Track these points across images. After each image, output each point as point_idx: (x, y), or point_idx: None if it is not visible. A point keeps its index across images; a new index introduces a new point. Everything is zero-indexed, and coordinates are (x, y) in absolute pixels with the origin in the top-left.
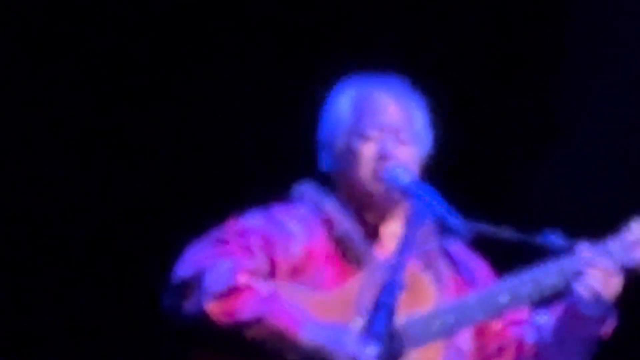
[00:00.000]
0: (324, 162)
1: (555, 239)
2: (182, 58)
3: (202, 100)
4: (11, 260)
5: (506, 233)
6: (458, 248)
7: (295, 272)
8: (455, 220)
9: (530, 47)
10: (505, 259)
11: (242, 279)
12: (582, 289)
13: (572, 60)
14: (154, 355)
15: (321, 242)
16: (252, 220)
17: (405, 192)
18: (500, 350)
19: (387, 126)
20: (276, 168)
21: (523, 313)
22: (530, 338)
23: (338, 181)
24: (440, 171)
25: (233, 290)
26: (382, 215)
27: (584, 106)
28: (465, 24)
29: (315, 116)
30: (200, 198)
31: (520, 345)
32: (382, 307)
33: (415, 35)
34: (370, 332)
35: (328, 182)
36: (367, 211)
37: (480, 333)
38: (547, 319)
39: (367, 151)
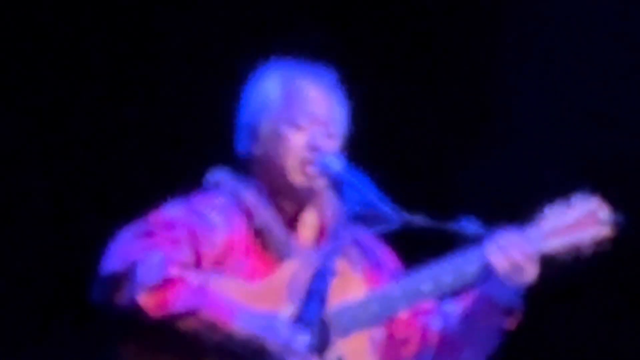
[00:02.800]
0: (244, 146)
1: (472, 226)
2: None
3: (115, 84)
4: None
5: (425, 221)
6: (364, 235)
7: (218, 263)
8: (386, 208)
9: (465, 36)
10: (419, 246)
11: (174, 271)
12: (499, 260)
13: (507, 49)
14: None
15: (241, 232)
16: (175, 212)
17: (337, 179)
18: (407, 339)
19: (318, 118)
20: (186, 154)
21: (430, 303)
22: (435, 326)
23: (258, 167)
24: (367, 160)
25: (165, 283)
26: (301, 204)
27: (513, 95)
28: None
29: (227, 101)
30: (113, 188)
31: (424, 334)
32: (314, 295)
33: (343, 21)
34: (302, 319)
35: (242, 167)
36: (287, 199)
37: (389, 323)
38: (453, 307)
39: (298, 140)
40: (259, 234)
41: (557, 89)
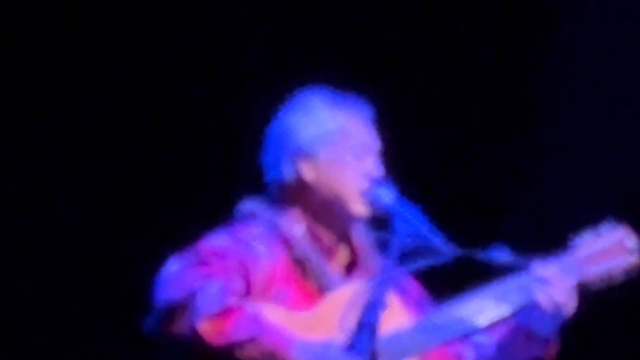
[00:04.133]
0: (293, 173)
1: (505, 255)
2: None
3: (151, 114)
4: None
5: (459, 251)
6: (409, 268)
7: (263, 292)
8: (438, 240)
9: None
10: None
11: (232, 299)
12: (544, 300)
13: (559, 71)
14: None
15: (281, 262)
16: (222, 241)
17: (389, 211)
18: None
19: (372, 147)
20: (216, 185)
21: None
22: (469, 356)
23: (310, 194)
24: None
25: (225, 311)
26: (340, 234)
27: (565, 131)
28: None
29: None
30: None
31: None
32: (366, 327)
33: (384, 53)
34: (353, 351)
35: (273, 196)
36: (327, 229)
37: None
38: (487, 338)
39: (357, 168)
40: (299, 264)
41: (590, 121)
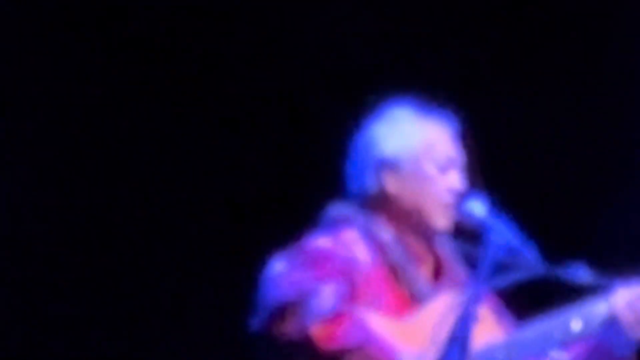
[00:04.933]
0: (377, 183)
1: (586, 274)
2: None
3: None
4: None
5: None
6: (501, 282)
7: (364, 296)
8: (531, 254)
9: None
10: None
11: (344, 304)
12: (631, 320)
13: None
14: None
15: (376, 267)
16: (327, 243)
17: (483, 224)
18: None
19: (457, 160)
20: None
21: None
22: None
23: (394, 204)
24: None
25: (337, 316)
26: (426, 244)
27: None
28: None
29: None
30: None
31: None
32: (457, 340)
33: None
34: None
35: (365, 203)
36: (414, 239)
37: None
38: (563, 356)
39: (441, 181)
40: (392, 270)
41: None
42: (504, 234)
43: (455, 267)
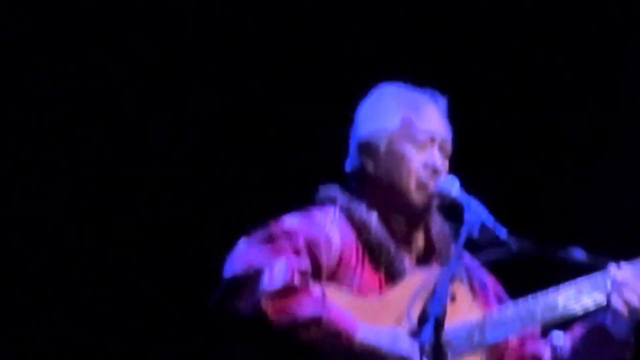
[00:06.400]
0: (358, 163)
1: (582, 255)
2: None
3: (223, 102)
4: None
5: (536, 248)
6: (469, 259)
7: (332, 274)
8: (503, 233)
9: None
10: (522, 271)
11: (297, 279)
12: (620, 304)
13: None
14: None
15: (352, 246)
16: (294, 222)
17: (454, 202)
18: None
19: (436, 138)
20: (295, 170)
21: (537, 329)
22: (547, 357)
23: (372, 184)
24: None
25: (289, 290)
26: (412, 223)
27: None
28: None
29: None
30: (227, 203)
31: None
32: (431, 318)
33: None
34: (418, 340)
35: (350, 184)
36: (399, 218)
37: (497, 347)
38: (563, 339)
39: (418, 160)
40: (370, 249)
41: None
42: (477, 213)
43: (447, 247)
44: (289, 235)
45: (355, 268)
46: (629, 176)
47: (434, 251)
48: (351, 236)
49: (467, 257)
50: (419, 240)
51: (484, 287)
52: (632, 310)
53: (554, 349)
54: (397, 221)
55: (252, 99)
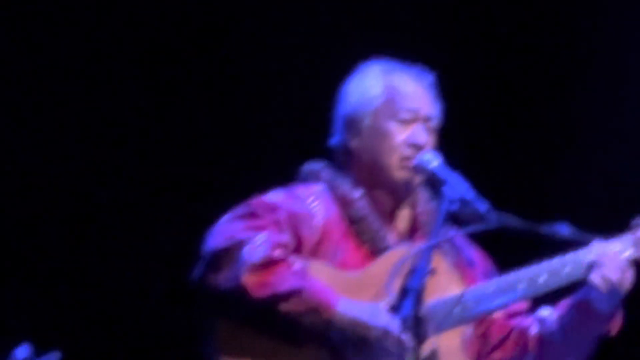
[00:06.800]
0: (342, 139)
1: (566, 230)
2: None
3: (208, 78)
4: None
5: (519, 223)
6: (457, 234)
7: (314, 248)
8: (483, 207)
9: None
10: (511, 246)
11: (278, 252)
12: (598, 279)
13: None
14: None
15: (336, 221)
16: (276, 197)
17: (435, 176)
18: (503, 340)
19: (419, 113)
20: (282, 146)
21: (523, 304)
22: (533, 330)
23: (356, 160)
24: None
25: (269, 263)
26: (397, 198)
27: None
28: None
29: (323, 94)
30: (212, 180)
31: (523, 337)
32: (410, 292)
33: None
34: (397, 314)
35: (336, 160)
36: (383, 193)
37: (482, 322)
38: (550, 313)
39: (399, 136)
40: (354, 224)
41: None
42: (457, 187)
43: (432, 225)
44: (271, 209)
45: (339, 243)
46: (612, 153)
47: (420, 228)
48: (335, 211)
49: (456, 234)
50: (405, 216)
51: (471, 263)
52: (611, 286)
53: (540, 323)
54: (381, 197)
55: (236, 72)
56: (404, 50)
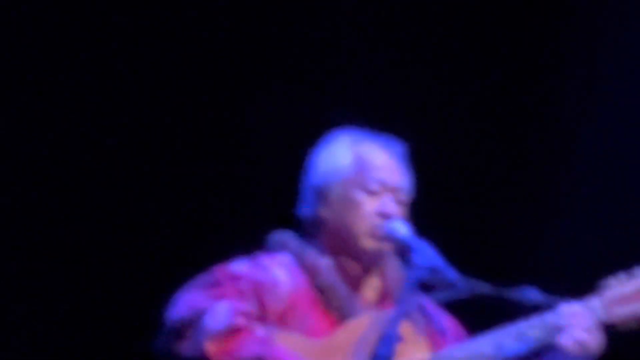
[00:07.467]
0: (311, 209)
1: (535, 295)
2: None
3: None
4: None
5: (488, 289)
6: (427, 301)
7: (281, 318)
8: (453, 274)
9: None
10: (481, 313)
11: (240, 320)
12: (569, 342)
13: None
14: None
15: (304, 290)
16: (240, 266)
17: (404, 244)
18: None
19: (388, 184)
20: (247, 216)
21: None
22: None
23: (325, 230)
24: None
25: (232, 331)
26: (366, 267)
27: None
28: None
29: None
30: (172, 248)
31: None
32: (379, 358)
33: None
34: None
35: (304, 229)
36: (352, 262)
37: None
38: None
39: (368, 206)
40: (322, 293)
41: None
42: (426, 255)
43: (403, 292)
44: (234, 279)
45: (307, 312)
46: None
47: (389, 296)
48: (303, 280)
49: (427, 301)
50: (374, 284)
51: (442, 332)
52: (581, 348)
53: None
54: (350, 265)
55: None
56: (373, 119)
